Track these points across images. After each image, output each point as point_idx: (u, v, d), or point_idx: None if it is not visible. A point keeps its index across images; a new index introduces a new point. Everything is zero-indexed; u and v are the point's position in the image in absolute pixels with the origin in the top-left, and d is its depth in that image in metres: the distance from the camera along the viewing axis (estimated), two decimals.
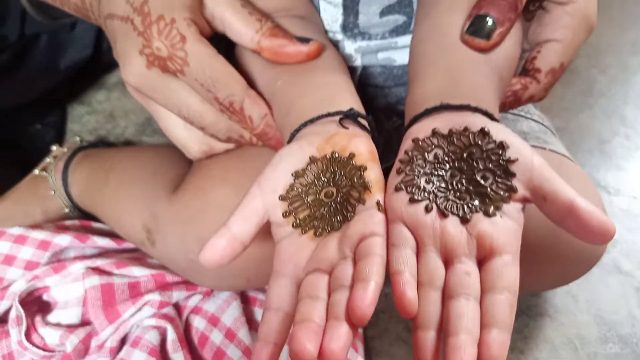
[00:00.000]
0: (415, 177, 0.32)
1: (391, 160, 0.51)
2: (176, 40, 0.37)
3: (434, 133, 0.33)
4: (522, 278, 0.30)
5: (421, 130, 0.34)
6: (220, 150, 0.46)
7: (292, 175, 0.34)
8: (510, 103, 0.43)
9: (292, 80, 0.40)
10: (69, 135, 0.77)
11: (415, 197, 0.32)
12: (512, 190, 0.31)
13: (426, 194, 0.32)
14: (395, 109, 0.53)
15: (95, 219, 0.62)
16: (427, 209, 0.31)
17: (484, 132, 0.32)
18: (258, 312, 0.58)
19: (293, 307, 0.30)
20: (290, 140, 0.37)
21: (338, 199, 0.33)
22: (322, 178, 0.34)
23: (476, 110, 0.34)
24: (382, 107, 0.53)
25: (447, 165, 0.33)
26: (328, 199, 0.33)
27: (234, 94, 0.39)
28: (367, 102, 0.53)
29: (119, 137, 0.77)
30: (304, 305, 0.29)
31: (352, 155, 0.34)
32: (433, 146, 0.33)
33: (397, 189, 0.32)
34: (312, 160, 0.34)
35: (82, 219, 0.63)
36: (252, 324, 0.56)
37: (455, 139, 0.33)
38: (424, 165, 0.33)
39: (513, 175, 0.31)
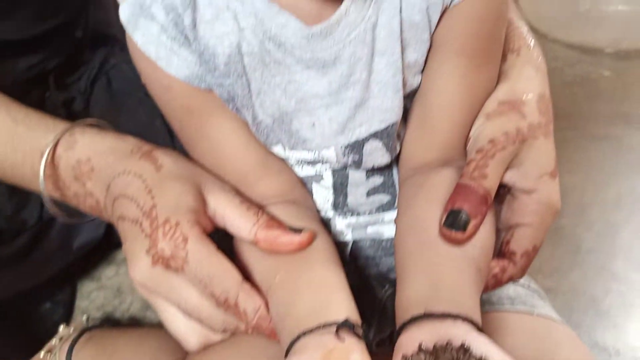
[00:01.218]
0: None
1: (386, 330, 0.53)
2: (179, 241, 0.41)
3: (420, 349, 0.36)
4: None
5: (409, 342, 0.36)
6: (217, 341, 0.48)
7: None
8: (492, 286, 0.46)
9: (288, 276, 0.43)
10: (77, 313, 0.79)
11: None
12: None
13: None
14: (387, 277, 0.55)
15: None
16: None
17: (464, 348, 0.35)
18: None
19: None
20: (288, 349, 0.39)
21: None
22: None
23: (457, 317, 0.37)
24: (374, 276, 0.56)
25: None
26: None
27: (228, 289, 0.42)
28: (360, 271, 0.56)
29: (124, 313, 0.79)
30: None
31: None
32: None
33: None
34: None
35: None
36: None
37: (439, 355, 0.35)
38: None
39: None
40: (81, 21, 0.77)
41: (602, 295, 0.81)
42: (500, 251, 0.47)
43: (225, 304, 0.43)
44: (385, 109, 0.46)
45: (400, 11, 0.42)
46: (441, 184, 0.45)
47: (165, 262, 0.42)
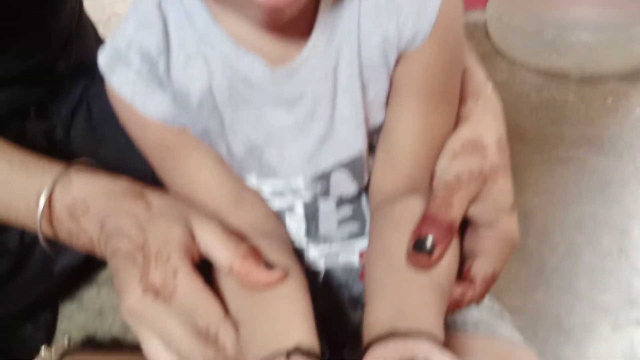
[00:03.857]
0: None
1: (359, 352, 0.56)
2: (170, 272, 0.44)
3: None
4: None
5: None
6: None
7: None
8: (452, 308, 0.49)
9: (252, 312, 0.45)
10: (58, 334, 0.80)
11: None
12: None
13: None
14: (360, 301, 0.58)
15: None
16: None
17: None
18: None
19: None
20: None
21: None
22: None
23: (421, 334, 0.39)
24: (347, 300, 0.59)
25: None
26: None
27: (211, 322, 0.44)
28: (333, 297, 0.59)
29: (105, 334, 0.81)
30: None
31: None
32: None
33: None
34: None
35: None
36: None
37: None
38: None
39: None
40: (65, 55, 0.79)
41: (565, 314, 0.85)
42: (462, 276, 0.51)
43: (206, 337, 0.45)
44: (349, 143, 0.49)
45: (359, 53, 0.46)
46: (408, 213, 0.48)
47: (155, 291, 0.44)
